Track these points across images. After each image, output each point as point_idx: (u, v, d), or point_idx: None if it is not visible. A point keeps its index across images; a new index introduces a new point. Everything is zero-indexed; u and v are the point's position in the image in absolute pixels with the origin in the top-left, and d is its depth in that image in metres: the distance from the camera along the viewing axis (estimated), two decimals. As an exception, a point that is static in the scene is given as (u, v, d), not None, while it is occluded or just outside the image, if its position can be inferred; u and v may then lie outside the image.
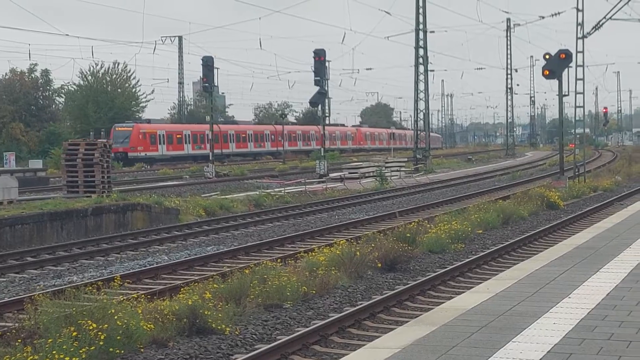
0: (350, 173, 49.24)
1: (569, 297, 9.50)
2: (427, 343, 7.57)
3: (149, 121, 75.12)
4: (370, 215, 28.79)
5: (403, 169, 54.27)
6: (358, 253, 16.55)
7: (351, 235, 22.20)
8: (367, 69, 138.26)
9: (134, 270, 17.73)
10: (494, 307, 9.06)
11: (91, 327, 10.15)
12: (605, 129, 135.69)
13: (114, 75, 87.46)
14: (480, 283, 11.97)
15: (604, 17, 43.14)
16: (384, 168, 48.09)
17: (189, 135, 76.55)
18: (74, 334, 10.02)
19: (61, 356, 9.48)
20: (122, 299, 12.11)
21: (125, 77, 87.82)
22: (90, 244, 22.48)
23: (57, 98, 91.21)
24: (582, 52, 41.49)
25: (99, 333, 10.16)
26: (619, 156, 74.59)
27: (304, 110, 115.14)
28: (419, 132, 64.23)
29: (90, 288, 13.54)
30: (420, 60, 61.73)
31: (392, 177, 47.47)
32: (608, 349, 7.18)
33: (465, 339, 7.66)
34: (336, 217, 28.93)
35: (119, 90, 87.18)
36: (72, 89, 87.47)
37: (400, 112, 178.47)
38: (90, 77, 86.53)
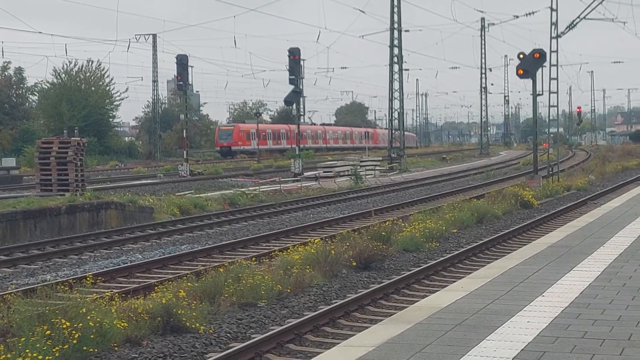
0: (325, 172, 49.24)
1: (543, 296, 9.54)
2: (402, 341, 7.58)
3: (243, 121, 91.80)
4: (345, 214, 28.81)
5: (378, 168, 54.33)
6: (333, 252, 16.54)
7: (326, 234, 22.20)
8: (342, 68, 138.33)
9: (107, 269, 17.64)
10: (468, 306, 9.08)
11: (64, 326, 10.08)
12: (579, 128, 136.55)
13: (88, 74, 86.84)
14: (455, 281, 12.00)
15: (578, 17, 43.44)
16: (358, 167, 48.14)
17: (270, 132, 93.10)
18: (47, 332, 9.95)
19: (34, 355, 9.40)
20: (95, 297, 12.04)
21: (99, 75, 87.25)
22: (63, 242, 22.33)
23: (30, 96, 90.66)
24: (556, 51, 41.77)
25: (73, 332, 10.10)
26: (593, 155, 75.12)
27: (279, 109, 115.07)
28: (393, 131, 64.34)
29: (63, 287, 13.46)
30: (395, 59, 61.82)
31: (367, 176, 47.52)
32: (581, 347, 7.21)
33: (439, 337, 7.68)
34: (311, 216, 28.92)
35: (93, 88, 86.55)
36: (46, 87, 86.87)
37: (375, 111, 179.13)
38: (63, 75, 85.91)
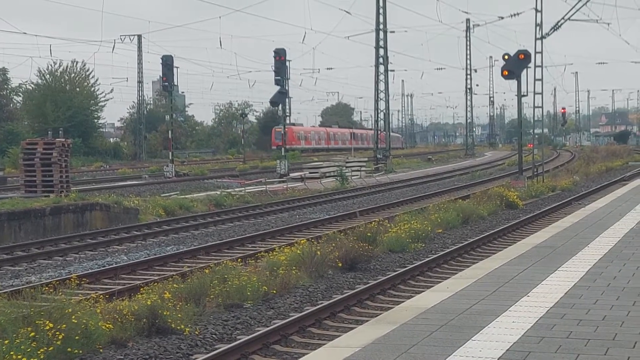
0: (310, 173, 49.23)
1: (528, 296, 9.57)
2: (387, 342, 7.58)
3: (293, 124, 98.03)
4: (331, 214, 28.81)
5: (364, 168, 54.38)
6: (319, 252, 16.55)
7: (312, 235, 22.19)
8: (327, 69, 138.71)
9: (92, 270, 17.58)
10: (453, 306, 9.10)
11: (48, 327, 10.04)
12: (564, 129, 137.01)
13: (73, 74, 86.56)
14: (440, 282, 12.01)
15: (563, 18, 43.60)
16: (344, 168, 48.16)
17: (313, 134, 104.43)
18: (32, 334, 9.91)
19: (19, 357, 9.36)
20: (81, 299, 12.00)
21: (83, 76, 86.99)
22: (48, 244, 22.25)
23: (14, 97, 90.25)
24: (541, 52, 41.88)
25: (57, 333, 10.06)
26: (577, 156, 75.39)
27: (265, 110, 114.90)
28: (379, 131, 64.40)
29: (48, 288, 13.41)
30: (381, 60, 61.88)
31: (353, 177, 47.56)
32: (566, 347, 7.24)
33: (425, 338, 7.69)
34: (297, 217, 28.91)
35: (78, 89, 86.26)
36: (30, 88, 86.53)
37: (361, 112, 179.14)
38: (48, 76, 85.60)
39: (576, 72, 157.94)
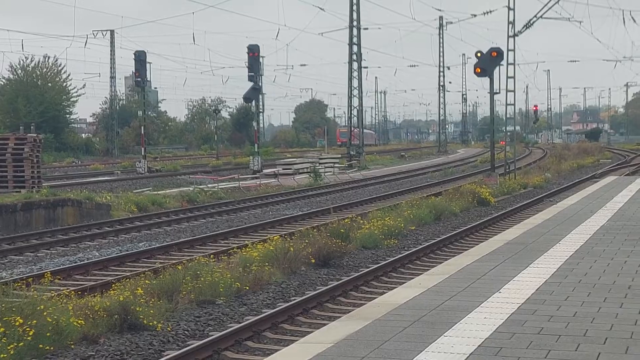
0: (284, 169, 49.21)
1: (500, 292, 9.62)
2: (360, 338, 7.59)
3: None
4: (304, 211, 28.81)
5: (337, 165, 54.43)
6: (292, 249, 16.55)
7: (285, 231, 22.18)
8: (301, 65, 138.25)
9: (64, 267, 17.47)
10: (426, 302, 9.12)
11: (18, 323, 9.97)
12: (536, 126, 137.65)
13: (45, 70, 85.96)
14: (413, 278, 12.04)
15: (535, 16, 43.85)
16: (317, 164, 48.16)
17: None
18: (2, 330, 9.83)
19: (-12, 353, 9.30)
20: (52, 294, 11.92)
21: (56, 71, 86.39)
22: (19, 239, 22.07)
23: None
24: (514, 50, 42.13)
25: (28, 329, 9.99)
26: (549, 153, 75.82)
27: (238, 106, 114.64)
28: (352, 128, 64.47)
29: (19, 284, 13.32)
30: (354, 57, 61.94)
31: (326, 174, 47.58)
32: (538, 343, 7.28)
33: (397, 334, 7.70)
34: (270, 213, 28.89)
35: (50, 84, 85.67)
36: (2, 83, 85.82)
37: (334, 109, 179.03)
38: (20, 71, 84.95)
39: (548, 70, 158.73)
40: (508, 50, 41.33)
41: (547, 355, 6.88)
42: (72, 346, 10.66)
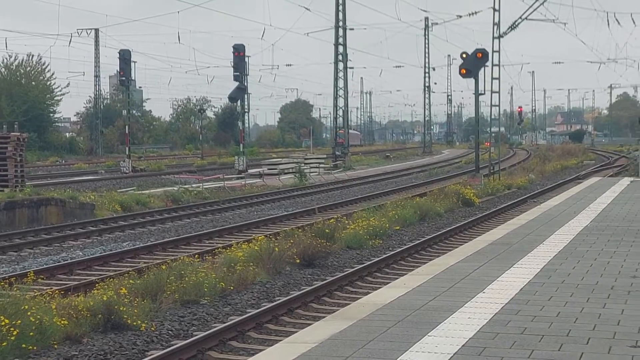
0: (269, 169, 49.18)
1: (484, 292, 9.64)
2: (344, 337, 7.60)
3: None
4: (289, 211, 28.80)
5: (322, 165, 54.44)
6: (276, 249, 16.54)
7: (270, 231, 22.17)
8: (286, 65, 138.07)
9: (47, 266, 17.39)
10: (410, 302, 9.14)
11: (3, 323, 9.93)
12: (520, 127, 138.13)
13: (28, 68, 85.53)
14: (397, 278, 12.06)
15: (520, 17, 43.99)
16: (303, 164, 48.14)
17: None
18: (-15, 330, 9.79)
19: (-29, 353, 9.25)
20: (36, 294, 11.88)
21: (39, 69, 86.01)
22: (2, 239, 21.95)
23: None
24: (498, 51, 42.24)
25: (11, 329, 9.95)
26: (533, 155, 76.07)
27: (223, 106, 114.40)
28: (337, 129, 64.50)
29: (2, 284, 13.26)
30: (340, 57, 61.96)
31: (311, 174, 47.58)
32: (521, 343, 7.30)
33: (381, 334, 7.71)
34: (255, 213, 28.86)
35: (34, 83, 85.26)
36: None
37: (320, 109, 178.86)
38: (3, 69, 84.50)
39: (533, 72, 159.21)
40: (493, 51, 41.46)
41: (530, 355, 6.90)
42: (56, 346, 10.62)
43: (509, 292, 9.64)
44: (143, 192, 34.20)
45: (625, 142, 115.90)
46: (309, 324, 9.85)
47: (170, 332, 11.77)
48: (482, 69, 39.48)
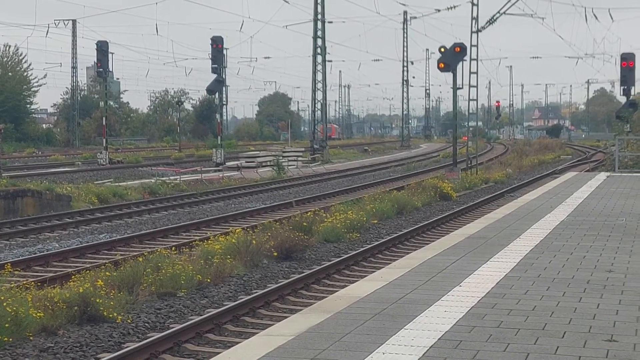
0: (247, 162, 49.11)
1: (460, 286, 9.67)
2: (321, 330, 7.60)
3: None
4: (267, 204, 28.78)
5: (300, 158, 54.43)
6: (254, 242, 16.52)
7: (247, 224, 22.15)
8: (265, 58, 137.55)
9: (23, 258, 17.29)
10: (387, 295, 9.15)
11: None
12: (498, 122, 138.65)
13: (5, 59, 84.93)
14: (375, 271, 12.08)
15: (498, 12, 44.14)
16: (281, 158, 48.11)
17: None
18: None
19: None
20: (12, 285, 11.80)
21: (16, 60, 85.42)
22: (-23, 230, 21.83)
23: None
24: (477, 46, 42.38)
25: (-14, 321, 9.89)
26: (510, 149, 76.36)
27: (201, 98, 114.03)
28: (315, 122, 64.49)
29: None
30: (319, 50, 61.95)
31: (289, 167, 47.55)
32: (497, 336, 7.33)
33: (358, 326, 7.72)
34: (232, 206, 28.82)
35: (10, 74, 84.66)
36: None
37: (298, 102, 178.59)
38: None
39: (510, 66, 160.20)
40: (471, 45, 41.58)
41: (506, 349, 6.93)
42: (31, 337, 10.57)
43: (485, 285, 9.68)
44: (120, 184, 34.07)
45: (602, 137, 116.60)
46: (286, 317, 9.85)
47: (146, 324, 11.74)
48: (461, 63, 39.54)
